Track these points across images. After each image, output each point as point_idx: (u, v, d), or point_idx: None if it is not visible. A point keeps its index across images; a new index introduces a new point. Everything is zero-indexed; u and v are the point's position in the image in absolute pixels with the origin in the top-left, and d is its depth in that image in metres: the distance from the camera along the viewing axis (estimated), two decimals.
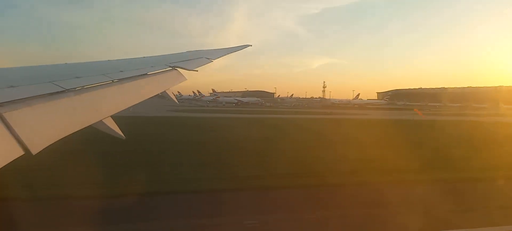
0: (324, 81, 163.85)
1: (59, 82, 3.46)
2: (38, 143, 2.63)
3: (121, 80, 4.77)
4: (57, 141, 2.78)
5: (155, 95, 5.32)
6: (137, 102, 4.55)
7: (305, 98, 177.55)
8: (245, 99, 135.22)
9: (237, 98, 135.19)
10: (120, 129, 3.71)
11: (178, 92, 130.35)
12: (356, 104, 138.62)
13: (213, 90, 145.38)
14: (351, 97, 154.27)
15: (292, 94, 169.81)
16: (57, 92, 3.35)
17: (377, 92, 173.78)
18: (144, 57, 7.62)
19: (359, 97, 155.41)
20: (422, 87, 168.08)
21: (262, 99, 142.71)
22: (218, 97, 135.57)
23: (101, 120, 3.47)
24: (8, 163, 2.28)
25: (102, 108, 3.79)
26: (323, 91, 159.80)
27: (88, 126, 3.33)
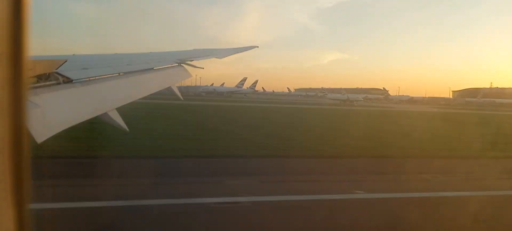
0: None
1: (66, 72, 3.49)
2: (43, 132, 2.65)
3: (127, 73, 4.80)
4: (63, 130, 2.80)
5: (161, 90, 5.35)
6: (143, 96, 4.57)
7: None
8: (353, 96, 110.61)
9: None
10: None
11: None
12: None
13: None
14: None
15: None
16: (63, 83, 3.38)
17: (452, 90, 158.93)
18: (151, 52, 7.65)
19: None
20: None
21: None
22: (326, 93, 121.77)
23: (106, 112, 3.50)
24: None
25: (108, 100, 3.82)
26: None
27: (93, 117, 3.36)
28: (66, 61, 3.61)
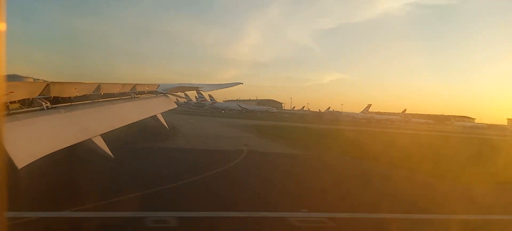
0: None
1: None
2: (24, 157, 2.60)
3: (112, 101, 4.78)
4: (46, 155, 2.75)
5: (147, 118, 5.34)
6: (127, 123, 4.54)
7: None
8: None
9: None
10: None
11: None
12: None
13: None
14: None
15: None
16: (47, 109, 3.34)
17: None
18: (137, 83, 7.68)
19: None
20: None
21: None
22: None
23: (90, 139, 3.46)
24: None
25: (92, 127, 3.78)
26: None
27: (76, 144, 3.31)
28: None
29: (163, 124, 5.86)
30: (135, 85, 5.51)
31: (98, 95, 4.24)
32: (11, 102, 2.91)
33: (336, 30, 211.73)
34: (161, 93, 6.59)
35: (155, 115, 5.62)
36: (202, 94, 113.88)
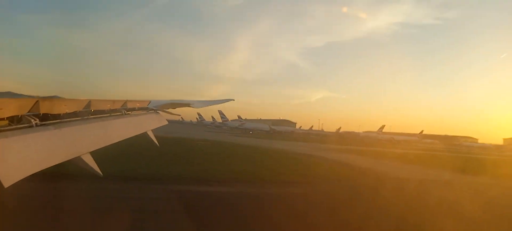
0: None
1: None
2: (11, 175, 2.54)
3: (102, 117, 4.74)
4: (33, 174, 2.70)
5: (136, 136, 5.29)
6: (118, 140, 4.50)
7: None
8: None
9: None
10: None
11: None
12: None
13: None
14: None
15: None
16: (36, 126, 3.30)
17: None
18: (128, 100, 7.63)
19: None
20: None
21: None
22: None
23: (79, 156, 3.41)
24: None
25: (81, 144, 3.73)
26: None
27: (65, 161, 3.26)
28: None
29: (153, 141, 5.79)
30: (125, 102, 5.48)
31: (88, 112, 4.21)
32: None
33: (324, 48, 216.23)
34: (152, 110, 6.51)
35: (146, 132, 5.58)
36: (224, 115, 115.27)
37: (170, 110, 6.89)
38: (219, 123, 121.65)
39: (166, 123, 6.90)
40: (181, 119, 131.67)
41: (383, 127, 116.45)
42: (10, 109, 3.10)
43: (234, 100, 11.30)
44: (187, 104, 8.17)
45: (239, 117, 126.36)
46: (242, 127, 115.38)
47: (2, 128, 2.85)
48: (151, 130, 6.27)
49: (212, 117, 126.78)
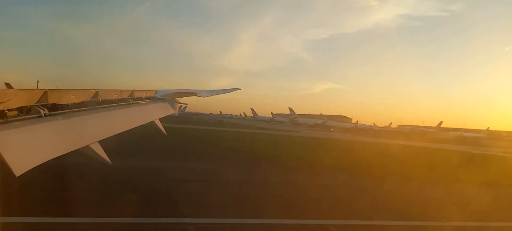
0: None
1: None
2: (21, 165, 2.58)
3: (110, 107, 4.77)
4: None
5: (144, 124, 5.32)
6: (125, 129, 4.53)
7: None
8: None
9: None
10: None
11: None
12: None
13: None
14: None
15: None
16: (45, 116, 3.33)
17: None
18: (135, 89, 7.67)
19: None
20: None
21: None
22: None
23: (88, 145, 3.44)
24: None
25: (90, 134, 3.76)
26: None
27: (74, 151, 3.29)
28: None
29: (161, 130, 5.84)
30: (132, 91, 5.50)
31: (95, 102, 4.23)
32: (9, 110, 2.90)
33: (328, 40, 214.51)
34: (159, 99, 6.56)
35: (153, 121, 5.62)
36: (255, 111, 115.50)
37: (176, 98, 6.91)
38: (251, 117, 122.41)
39: (173, 111, 6.92)
40: (243, 115, 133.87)
41: (440, 123, 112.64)
42: (19, 100, 3.12)
43: (240, 89, 11.27)
44: (193, 93, 8.18)
45: (272, 113, 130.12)
46: (296, 121, 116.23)
47: (11, 119, 2.88)
48: (159, 119, 6.30)
49: (220, 111, 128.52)
